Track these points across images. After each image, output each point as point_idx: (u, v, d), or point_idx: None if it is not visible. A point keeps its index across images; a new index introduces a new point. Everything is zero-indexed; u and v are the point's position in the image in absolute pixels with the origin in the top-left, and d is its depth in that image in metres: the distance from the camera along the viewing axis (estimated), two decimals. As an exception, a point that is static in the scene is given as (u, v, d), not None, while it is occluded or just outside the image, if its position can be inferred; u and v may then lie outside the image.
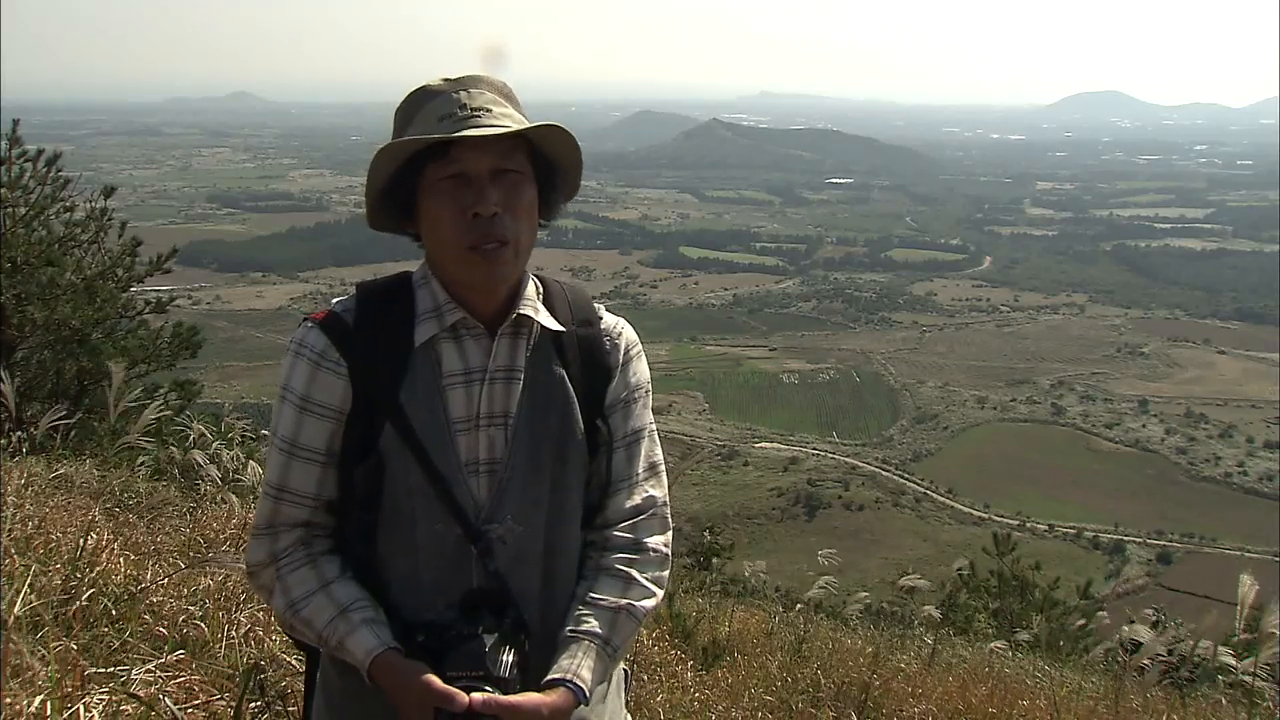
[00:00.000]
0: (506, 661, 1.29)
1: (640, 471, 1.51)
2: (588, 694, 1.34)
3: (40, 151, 7.44)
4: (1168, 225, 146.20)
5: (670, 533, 1.54)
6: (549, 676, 1.33)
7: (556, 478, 1.43)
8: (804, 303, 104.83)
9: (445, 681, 1.25)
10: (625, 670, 1.59)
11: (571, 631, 1.39)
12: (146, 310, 8.05)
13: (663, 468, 1.56)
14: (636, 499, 1.49)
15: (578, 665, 1.34)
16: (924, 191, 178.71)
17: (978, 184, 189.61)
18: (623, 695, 1.57)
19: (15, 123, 7.44)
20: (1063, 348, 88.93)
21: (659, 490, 1.53)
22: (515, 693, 1.27)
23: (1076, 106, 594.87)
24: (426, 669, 1.26)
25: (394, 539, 1.38)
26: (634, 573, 1.45)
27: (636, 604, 1.43)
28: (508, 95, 1.41)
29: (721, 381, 79.53)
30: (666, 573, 1.50)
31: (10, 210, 7.07)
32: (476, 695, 1.23)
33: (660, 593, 1.47)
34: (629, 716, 1.59)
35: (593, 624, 1.39)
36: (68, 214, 7.61)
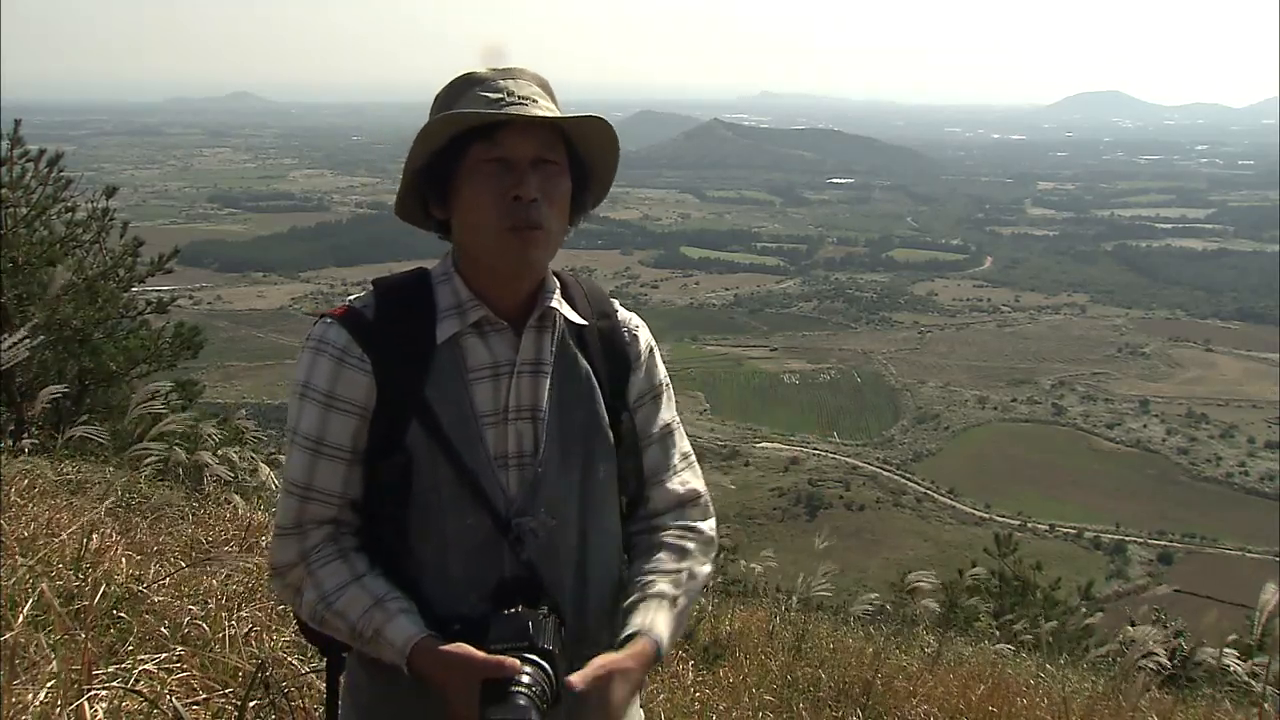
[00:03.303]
0: (550, 633, 1.27)
1: (677, 463, 1.54)
2: (664, 647, 1.35)
3: (42, 152, 7.44)
4: (1169, 225, 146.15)
5: (714, 520, 1.56)
6: (625, 633, 1.35)
7: (586, 471, 1.43)
8: (805, 303, 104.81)
9: (490, 654, 1.23)
10: None
11: (640, 595, 1.40)
12: (148, 310, 8.04)
13: (695, 459, 1.58)
14: (679, 489, 1.53)
15: (652, 620, 1.36)
16: (925, 191, 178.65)
17: (979, 184, 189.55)
18: (638, 693, 1.55)
19: (17, 123, 7.44)
20: (1064, 348, 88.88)
21: (698, 481, 1.56)
22: (560, 667, 1.25)
23: (1077, 106, 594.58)
24: (467, 645, 1.26)
25: (424, 534, 1.37)
26: (687, 544, 1.48)
27: (696, 568, 1.46)
28: (548, 89, 1.43)
29: (722, 381, 79.51)
30: (714, 554, 1.54)
31: (12, 210, 7.07)
32: (574, 678, 1.24)
33: (710, 567, 1.50)
34: (641, 713, 1.58)
35: (660, 586, 1.41)
36: (69, 214, 7.60)
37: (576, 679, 1.25)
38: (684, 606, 1.43)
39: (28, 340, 3.32)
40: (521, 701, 1.17)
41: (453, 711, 1.24)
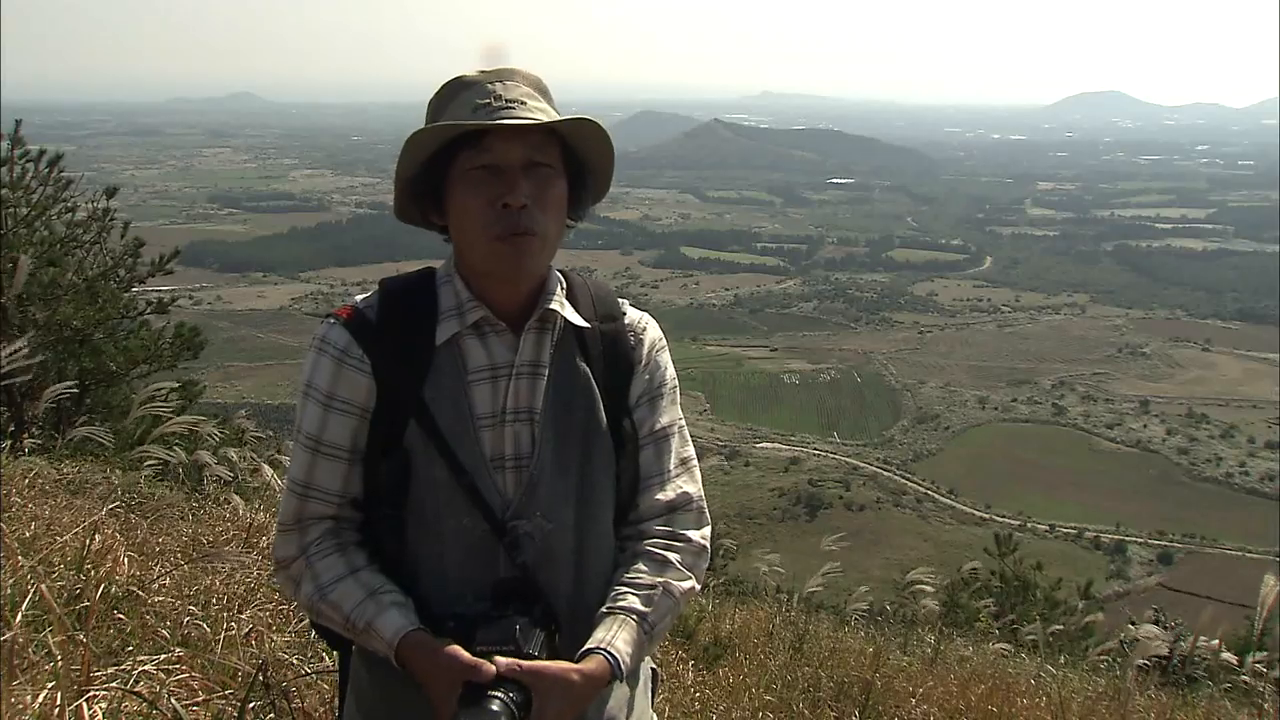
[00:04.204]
0: (538, 640, 1.27)
1: (672, 468, 1.49)
2: (623, 665, 1.30)
3: (42, 152, 7.44)
4: (1169, 225, 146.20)
5: (709, 528, 1.51)
6: (583, 648, 1.30)
7: (584, 474, 1.42)
8: (805, 303, 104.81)
9: (474, 655, 1.23)
10: (653, 669, 1.57)
11: (607, 609, 1.36)
12: (148, 311, 8.04)
13: (695, 464, 1.53)
14: (670, 494, 1.47)
15: (613, 636, 1.32)
16: (925, 192, 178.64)
17: (979, 184, 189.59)
18: (650, 696, 1.55)
19: (17, 123, 7.43)
20: (1064, 348, 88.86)
21: (693, 486, 1.50)
22: None
23: (1078, 106, 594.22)
24: (454, 644, 1.25)
25: (422, 534, 1.38)
26: (670, 556, 1.43)
27: (673, 583, 1.40)
28: (542, 90, 1.41)
29: (723, 381, 79.48)
30: (704, 564, 1.48)
31: (12, 210, 7.07)
32: (501, 659, 1.22)
33: (696, 580, 1.45)
34: (655, 717, 1.57)
35: (629, 600, 1.36)
36: (70, 214, 7.60)
37: (502, 663, 1.21)
38: (655, 623, 1.37)
39: (25, 350, 3.32)
40: (494, 707, 1.16)
41: (434, 708, 1.25)
